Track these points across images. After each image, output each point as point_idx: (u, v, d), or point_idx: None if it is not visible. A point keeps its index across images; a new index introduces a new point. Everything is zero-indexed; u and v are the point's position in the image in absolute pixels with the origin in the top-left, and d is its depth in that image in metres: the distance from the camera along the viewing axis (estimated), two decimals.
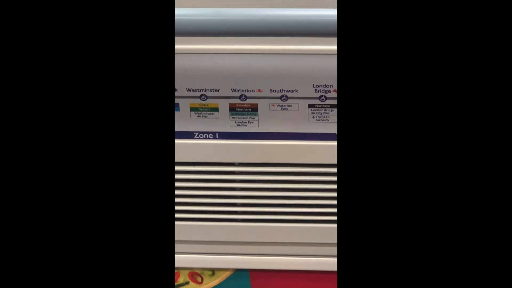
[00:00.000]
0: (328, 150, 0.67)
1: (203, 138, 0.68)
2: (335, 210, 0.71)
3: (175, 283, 0.79)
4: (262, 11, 0.56)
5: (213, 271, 0.78)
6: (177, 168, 0.70)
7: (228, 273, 0.78)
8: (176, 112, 0.67)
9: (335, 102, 0.65)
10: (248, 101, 0.66)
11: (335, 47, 0.62)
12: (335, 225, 0.72)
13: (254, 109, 0.67)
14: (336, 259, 0.75)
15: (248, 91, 0.66)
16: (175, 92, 0.66)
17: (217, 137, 0.68)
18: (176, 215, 0.73)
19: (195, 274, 0.79)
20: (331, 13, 0.55)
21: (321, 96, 0.65)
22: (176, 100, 0.66)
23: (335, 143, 0.67)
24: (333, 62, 0.63)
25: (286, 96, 0.65)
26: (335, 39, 0.61)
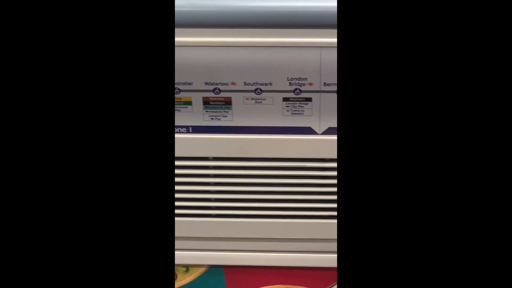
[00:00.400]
0: (302, 144, 0.67)
1: (177, 132, 0.68)
2: (310, 205, 0.71)
3: None
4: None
5: (187, 268, 0.78)
6: None
7: (202, 270, 0.77)
8: None
9: (309, 95, 0.65)
10: (222, 94, 0.65)
11: (309, 40, 0.61)
12: (310, 220, 0.72)
13: (228, 102, 0.66)
14: (310, 254, 0.75)
15: (222, 84, 0.65)
16: None
17: (190, 131, 0.67)
18: None
19: None
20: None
21: (295, 89, 0.65)
22: None
23: (309, 137, 0.67)
24: (307, 55, 0.63)
25: (260, 89, 0.65)
26: (309, 31, 0.61)
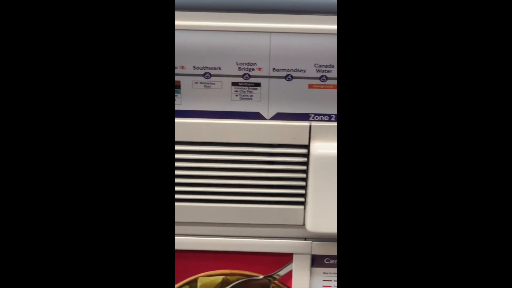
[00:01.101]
0: (250, 129, 0.68)
1: None
2: (257, 190, 0.72)
3: None
4: None
5: None
6: None
7: None
8: None
9: (258, 80, 0.65)
10: None
11: (258, 25, 0.62)
12: (257, 206, 0.72)
13: (176, 86, 0.66)
14: (256, 240, 0.75)
15: None
16: None
17: None
18: None
19: None
20: None
21: (244, 74, 0.65)
22: None
23: (258, 122, 0.67)
24: (256, 40, 0.63)
25: (209, 73, 0.65)
26: (259, 16, 0.61)
